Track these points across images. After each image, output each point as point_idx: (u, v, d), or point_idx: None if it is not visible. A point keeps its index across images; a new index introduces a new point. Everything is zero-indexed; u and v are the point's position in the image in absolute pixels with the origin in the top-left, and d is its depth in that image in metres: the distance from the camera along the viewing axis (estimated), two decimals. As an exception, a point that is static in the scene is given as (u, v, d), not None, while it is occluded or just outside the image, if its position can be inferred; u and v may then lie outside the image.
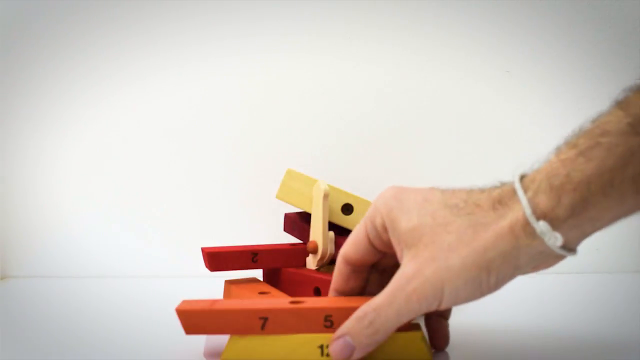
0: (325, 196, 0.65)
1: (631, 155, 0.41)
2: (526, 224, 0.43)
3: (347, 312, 0.47)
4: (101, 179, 0.83)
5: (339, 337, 0.46)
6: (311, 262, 0.67)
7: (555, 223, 0.42)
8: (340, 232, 0.68)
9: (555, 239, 0.42)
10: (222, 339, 0.50)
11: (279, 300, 0.51)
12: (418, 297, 0.45)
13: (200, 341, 0.54)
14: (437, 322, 0.53)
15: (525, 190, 0.44)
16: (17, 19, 0.81)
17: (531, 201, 0.43)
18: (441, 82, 0.78)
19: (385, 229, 0.48)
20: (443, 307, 0.45)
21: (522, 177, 0.45)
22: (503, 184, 0.46)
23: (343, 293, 0.52)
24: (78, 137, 0.83)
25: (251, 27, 0.80)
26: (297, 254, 0.68)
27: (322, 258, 0.66)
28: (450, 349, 0.53)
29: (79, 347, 0.56)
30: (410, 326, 0.48)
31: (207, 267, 0.66)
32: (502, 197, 0.45)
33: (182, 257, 0.81)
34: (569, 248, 0.44)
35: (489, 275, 0.44)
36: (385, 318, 0.46)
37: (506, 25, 0.77)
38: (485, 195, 0.46)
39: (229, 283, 0.68)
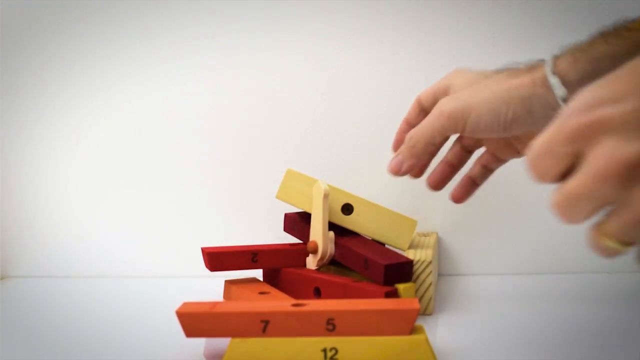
0: (325, 196, 0.65)
1: (638, 47, 0.52)
2: (544, 79, 0.54)
3: (350, 315, 0.47)
4: (101, 179, 0.83)
5: (394, 158, 0.62)
6: (311, 262, 0.67)
7: (566, 82, 0.53)
8: (340, 232, 0.68)
9: (561, 91, 0.53)
10: (222, 340, 0.50)
11: (280, 302, 0.51)
12: (449, 113, 0.57)
13: (201, 342, 0.54)
14: (469, 182, 0.67)
15: (552, 58, 0.55)
16: (17, 19, 0.81)
17: (554, 63, 0.55)
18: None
19: (445, 90, 0.62)
20: (467, 130, 0.57)
21: (556, 55, 0.55)
22: (540, 60, 0.57)
23: (411, 125, 0.65)
24: (78, 138, 0.82)
25: (253, 25, 0.80)
26: (297, 254, 0.68)
27: (322, 258, 0.66)
28: (451, 349, 0.53)
29: (79, 347, 0.56)
30: (415, 329, 0.48)
31: (207, 267, 0.66)
32: (536, 64, 0.56)
33: (182, 257, 0.81)
34: None
35: (507, 109, 0.55)
36: (422, 131, 0.60)
37: (506, 25, 0.77)
38: (527, 64, 0.58)
39: (229, 283, 0.68)
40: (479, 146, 0.66)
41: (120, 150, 0.82)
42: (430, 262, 0.64)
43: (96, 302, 0.72)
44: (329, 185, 0.66)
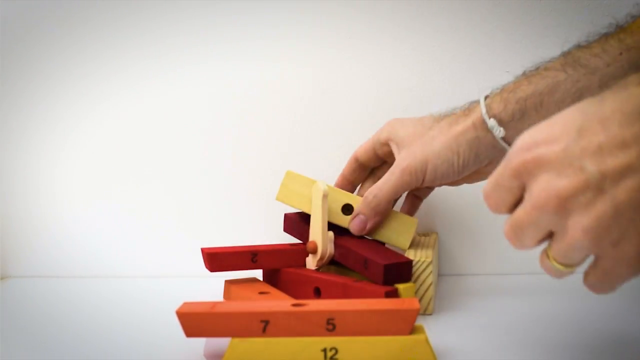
0: (324, 196, 0.65)
1: (557, 85, 0.61)
2: (483, 121, 0.63)
3: (350, 315, 0.47)
4: (101, 179, 0.82)
5: (354, 217, 0.67)
6: (311, 262, 0.67)
7: (501, 122, 0.63)
8: (340, 232, 0.68)
9: (499, 131, 0.62)
10: (222, 340, 0.50)
11: (280, 302, 0.51)
12: (410, 170, 0.64)
13: (201, 342, 0.54)
14: (413, 199, 0.74)
15: (485, 100, 0.64)
16: (17, 19, 0.81)
17: (487, 106, 0.63)
18: (441, 82, 0.78)
19: (386, 142, 0.69)
20: (426, 181, 0.65)
21: (486, 96, 0.65)
22: (475, 101, 0.65)
23: (346, 180, 0.73)
24: (78, 138, 0.82)
25: (254, 28, 0.80)
26: (297, 254, 0.68)
27: (321, 258, 0.66)
28: (451, 349, 0.53)
29: (79, 347, 0.56)
30: (415, 329, 0.48)
31: (207, 267, 0.66)
32: (471, 107, 0.65)
33: (183, 257, 0.81)
34: (510, 144, 0.60)
35: (458, 157, 0.64)
36: (385, 190, 0.66)
37: (506, 25, 0.77)
38: (461, 108, 0.66)
39: (229, 283, 0.68)
40: (429, 193, 0.74)
41: (121, 150, 0.82)
42: (430, 262, 0.64)
43: (96, 302, 0.72)
44: (328, 186, 0.66)
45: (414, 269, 0.64)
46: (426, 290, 0.64)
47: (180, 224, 0.82)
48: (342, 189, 0.71)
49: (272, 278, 0.69)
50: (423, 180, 0.65)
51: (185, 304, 0.50)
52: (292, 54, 0.80)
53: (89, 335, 0.59)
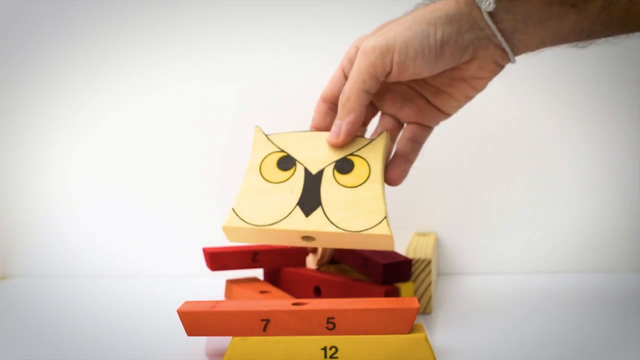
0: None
1: None
2: None
3: (350, 314, 0.47)
4: (102, 179, 0.83)
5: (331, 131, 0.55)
6: (311, 261, 0.68)
7: None
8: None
9: (488, 4, 0.51)
10: (224, 339, 0.50)
11: (281, 302, 0.51)
12: (372, 47, 0.52)
13: (203, 341, 0.54)
14: (403, 161, 0.59)
15: None
16: (17, 18, 0.81)
17: None
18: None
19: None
20: (396, 62, 0.52)
21: None
22: None
23: (320, 129, 0.59)
24: (79, 137, 0.83)
25: (250, 24, 0.80)
26: (297, 253, 0.68)
27: (321, 257, 0.66)
28: (450, 348, 0.53)
29: (80, 347, 0.56)
30: (414, 328, 0.48)
31: (208, 266, 0.66)
32: None
33: (184, 257, 0.81)
34: (503, 33, 0.52)
35: (435, 29, 0.52)
36: (352, 80, 0.54)
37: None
38: None
39: (230, 282, 0.68)
40: (427, 134, 0.61)
41: (121, 149, 0.82)
42: (429, 261, 0.64)
43: (97, 301, 0.72)
44: None
45: (413, 268, 0.64)
46: (425, 290, 0.64)
47: (181, 223, 0.82)
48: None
49: (273, 277, 0.69)
50: (392, 61, 0.53)
51: (186, 303, 0.50)
52: (291, 51, 0.80)
53: (89, 335, 0.59)
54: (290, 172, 0.56)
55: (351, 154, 0.56)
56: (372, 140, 0.56)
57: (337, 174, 0.55)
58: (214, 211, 0.82)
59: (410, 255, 0.65)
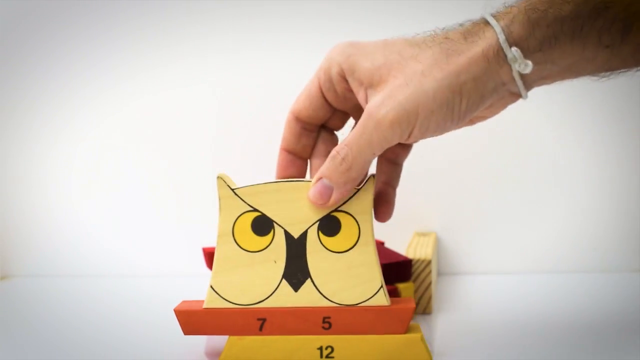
0: None
1: (605, 9, 0.43)
2: (499, 50, 0.44)
3: (346, 314, 0.47)
4: (101, 178, 0.83)
5: (316, 181, 0.47)
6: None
7: (525, 53, 0.44)
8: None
9: (525, 66, 0.44)
10: (223, 338, 0.50)
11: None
12: (391, 122, 0.44)
13: (201, 341, 0.54)
14: (385, 190, 0.53)
15: (498, 21, 0.45)
16: (17, 19, 0.81)
17: (505, 29, 0.44)
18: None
19: (342, 78, 0.48)
20: (414, 136, 0.45)
21: (494, 14, 0.45)
22: (471, 20, 0.47)
23: (293, 152, 0.52)
24: (78, 137, 0.83)
25: (251, 24, 0.80)
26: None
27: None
28: (450, 348, 0.53)
29: (79, 347, 0.56)
30: (410, 328, 0.48)
31: (207, 266, 0.66)
32: (472, 29, 0.46)
33: (183, 257, 0.81)
34: (525, 82, 0.46)
35: (461, 100, 0.45)
36: (358, 150, 0.45)
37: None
38: (453, 30, 0.46)
39: (229, 282, 0.68)
40: (408, 154, 0.54)
41: (121, 149, 0.82)
42: (429, 261, 0.64)
43: (97, 301, 0.72)
44: None
45: (413, 268, 0.64)
46: (425, 290, 0.64)
47: (180, 223, 0.82)
48: (287, 170, 0.53)
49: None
50: (410, 135, 0.45)
51: (183, 302, 0.50)
52: (290, 52, 0.80)
53: (89, 335, 0.60)
54: (268, 237, 0.49)
55: (336, 210, 0.48)
56: (357, 189, 0.48)
57: (322, 237, 0.48)
58: (214, 211, 0.82)
59: (410, 255, 0.64)
